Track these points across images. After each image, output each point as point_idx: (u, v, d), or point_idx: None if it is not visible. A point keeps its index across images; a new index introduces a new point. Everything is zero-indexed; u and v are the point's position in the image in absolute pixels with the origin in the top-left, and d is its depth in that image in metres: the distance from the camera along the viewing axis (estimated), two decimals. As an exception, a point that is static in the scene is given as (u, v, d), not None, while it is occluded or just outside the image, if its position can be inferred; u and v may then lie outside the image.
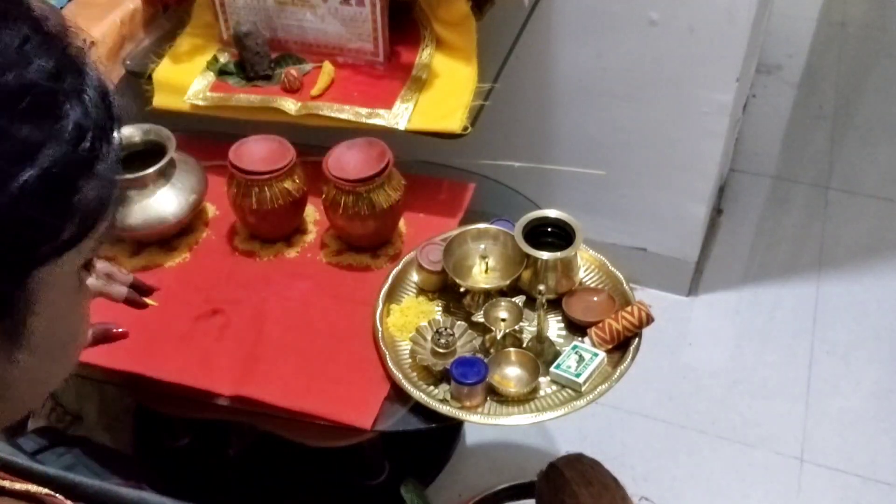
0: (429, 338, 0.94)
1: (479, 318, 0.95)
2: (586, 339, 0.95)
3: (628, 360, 0.93)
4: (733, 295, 1.88)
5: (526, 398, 0.90)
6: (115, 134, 0.43)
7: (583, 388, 0.89)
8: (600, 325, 0.94)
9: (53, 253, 0.40)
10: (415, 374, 0.93)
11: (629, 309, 0.94)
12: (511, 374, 0.92)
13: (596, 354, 0.91)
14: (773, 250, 1.98)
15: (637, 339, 0.94)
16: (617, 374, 0.92)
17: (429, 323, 0.96)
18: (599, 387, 0.90)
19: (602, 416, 1.65)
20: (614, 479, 1.08)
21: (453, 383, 0.89)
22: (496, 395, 0.91)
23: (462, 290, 1.00)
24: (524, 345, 0.95)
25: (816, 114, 2.37)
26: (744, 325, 1.83)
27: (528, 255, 0.96)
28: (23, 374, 0.44)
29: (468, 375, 0.88)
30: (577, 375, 0.88)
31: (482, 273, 1.00)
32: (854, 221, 2.05)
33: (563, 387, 0.91)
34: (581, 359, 0.90)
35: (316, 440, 1.10)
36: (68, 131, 0.39)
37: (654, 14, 1.41)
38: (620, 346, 0.94)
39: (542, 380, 0.92)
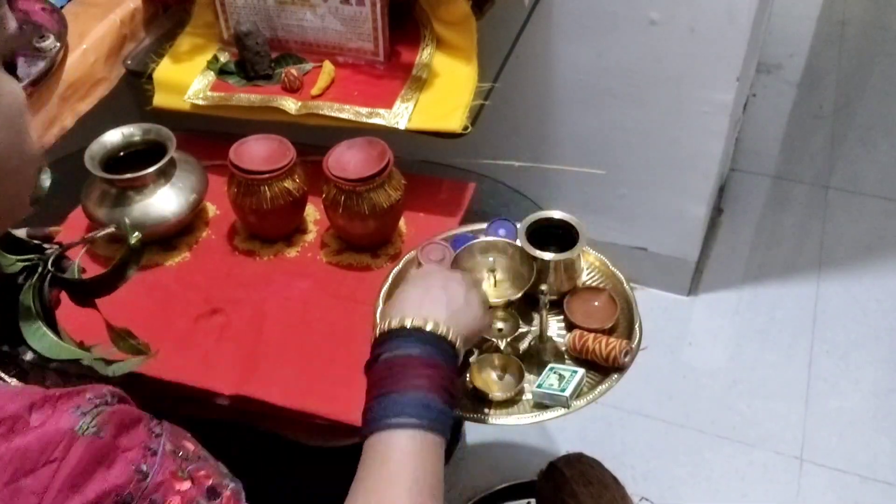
0: None
1: None
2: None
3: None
4: (733, 294, 1.89)
5: (511, 401, 0.90)
6: None
7: (570, 403, 0.88)
8: (582, 335, 0.93)
9: None
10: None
11: (613, 342, 0.91)
12: (495, 378, 0.92)
13: (575, 372, 0.89)
14: (773, 250, 1.99)
15: (638, 339, 0.94)
16: (616, 373, 0.91)
17: None
18: (599, 387, 0.90)
19: (602, 416, 1.65)
20: (614, 479, 1.08)
21: None
22: (481, 401, 0.91)
23: None
24: (527, 345, 0.95)
25: (816, 113, 2.37)
26: (744, 324, 1.83)
27: (531, 257, 0.96)
28: None
29: None
30: (563, 390, 0.88)
31: (491, 287, 0.99)
32: (854, 221, 2.05)
33: (551, 406, 0.90)
34: (561, 377, 0.89)
35: (316, 440, 1.10)
36: None
37: (654, 14, 1.41)
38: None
39: (526, 385, 0.91)
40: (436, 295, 0.74)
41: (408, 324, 0.70)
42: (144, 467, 0.48)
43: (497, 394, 0.89)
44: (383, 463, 0.63)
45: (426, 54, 1.20)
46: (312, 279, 1.07)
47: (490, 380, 0.92)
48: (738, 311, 1.85)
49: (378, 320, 0.74)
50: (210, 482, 0.52)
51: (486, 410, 0.90)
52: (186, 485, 0.50)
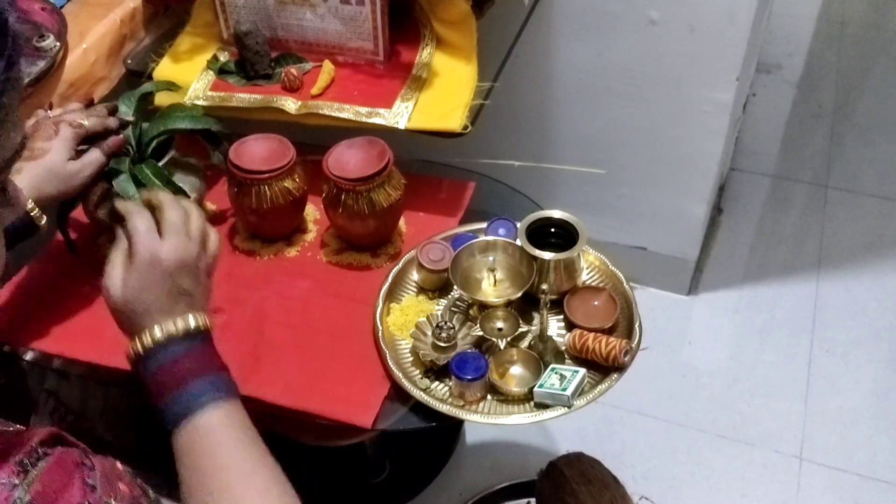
0: (429, 332, 0.94)
1: (477, 331, 0.95)
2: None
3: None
4: (733, 294, 1.89)
5: (527, 397, 0.90)
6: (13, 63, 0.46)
7: (572, 403, 0.88)
8: (582, 334, 0.93)
9: None
10: (415, 372, 0.94)
11: (613, 341, 0.92)
12: (513, 373, 0.92)
13: (576, 372, 0.90)
14: (773, 249, 1.99)
15: (638, 338, 0.94)
16: (616, 373, 0.92)
17: (427, 318, 0.96)
18: (599, 386, 0.90)
19: (602, 416, 1.65)
20: (614, 478, 1.08)
21: (454, 378, 0.89)
22: (498, 394, 0.91)
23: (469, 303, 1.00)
24: (527, 344, 0.95)
25: (816, 113, 2.37)
26: (743, 324, 1.83)
27: (531, 256, 0.96)
28: None
29: (468, 371, 0.89)
30: (564, 390, 0.88)
31: (491, 286, 0.99)
32: (853, 220, 2.05)
33: (551, 405, 0.90)
34: (562, 377, 0.89)
35: (317, 439, 1.10)
36: None
37: (654, 13, 1.41)
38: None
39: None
40: (161, 289, 0.71)
41: (158, 336, 0.70)
42: None
43: (513, 389, 0.90)
44: (208, 441, 0.69)
45: (426, 54, 1.20)
46: (312, 279, 1.07)
47: (508, 374, 0.92)
48: (738, 311, 1.86)
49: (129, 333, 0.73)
50: None
51: (487, 409, 0.90)
52: None
